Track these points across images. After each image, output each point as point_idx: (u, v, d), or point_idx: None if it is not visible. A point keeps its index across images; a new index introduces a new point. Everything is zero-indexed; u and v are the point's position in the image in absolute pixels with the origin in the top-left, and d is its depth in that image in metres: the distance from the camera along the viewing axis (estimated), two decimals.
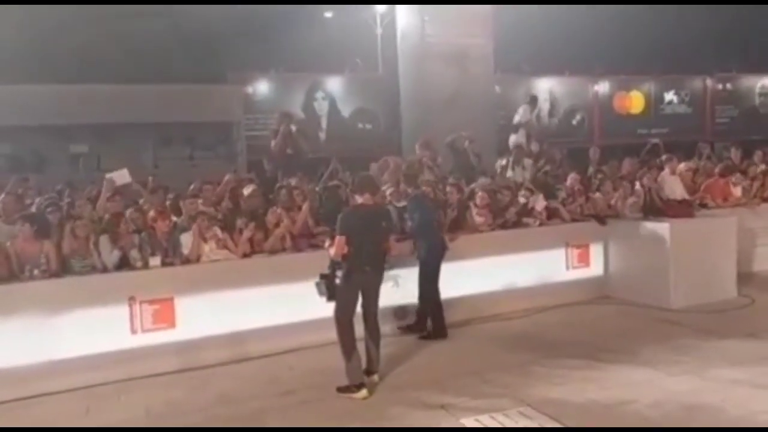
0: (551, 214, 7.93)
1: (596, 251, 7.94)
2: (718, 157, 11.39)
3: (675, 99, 20.21)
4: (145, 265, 6.13)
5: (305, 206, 7.08)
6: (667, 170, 8.40)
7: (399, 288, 6.57)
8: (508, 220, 7.72)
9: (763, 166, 9.38)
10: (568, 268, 7.79)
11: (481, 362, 5.83)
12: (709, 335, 6.21)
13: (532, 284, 7.52)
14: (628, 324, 6.81)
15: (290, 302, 6.32)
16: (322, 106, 19.28)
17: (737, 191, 8.85)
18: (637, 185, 8.12)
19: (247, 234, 6.52)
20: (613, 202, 8.18)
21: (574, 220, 7.97)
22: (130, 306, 5.85)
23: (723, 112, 20.37)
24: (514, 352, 6.10)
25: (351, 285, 5.37)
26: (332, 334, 5.45)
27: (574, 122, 19.83)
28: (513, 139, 10.58)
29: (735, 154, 10.00)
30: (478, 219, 7.54)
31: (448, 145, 9.44)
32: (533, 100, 11.96)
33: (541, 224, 7.72)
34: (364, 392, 5.23)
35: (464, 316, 7.01)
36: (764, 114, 20.31)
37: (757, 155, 9.85)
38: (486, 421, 4.58)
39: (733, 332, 6.24)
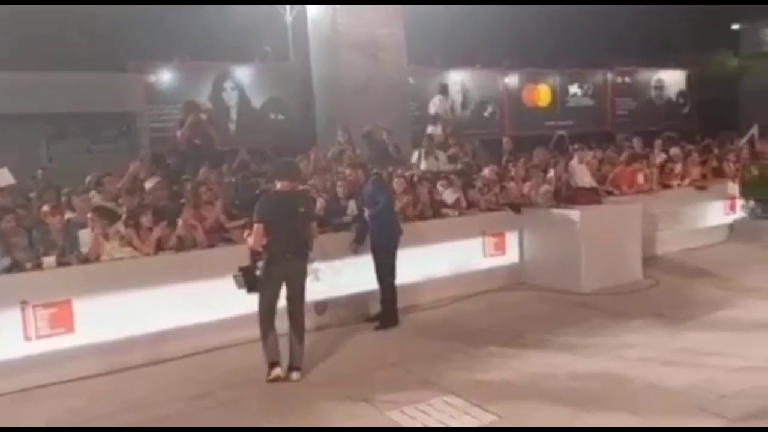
0: (469, 204, 8.04)
1: (512, 239, 8.13)
2: (619, 147, 11.97)
3: (579, 92, 21.06)
4: (38, 266, 5.67)
5: (218, 203, 6.84)
6: (576, 159, 8.72)
7: (320, 281, 6.47)
8: (425, 211, 7.76)
9: (663, 155, 9.95)
10: (485, 256, 7.93)
11: (403, 353, 5.81)
12: (619, 316, 6.49)
13: (451, 273, 7.59)
14: (543, 309, 7.01)
15: (206, 300, 6.04)
16: (231, 97, 18.67)
17: (640, 178, 9.33)
18: (551, 173, 8.38)
19: (157, 233, 6.16)
20: (526, 191, 8.41)
21: (490, 209, 8.12)
22: (23, 310, 5.39)
23: (623, 104, 21.46)
24: (436, 341, 6.13)
25: (273, 274, 5.25)
26: (252, 332, 5.26)
27: (486, 114, 20.28)
28: (431, 130, 10.67)
29: (637, 143, 10.56)
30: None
31: (365, 135, 9.38)
32: (444, 89, 12.11)
33: (460, 214, 7.80)
34: (276, 371, 5.19)
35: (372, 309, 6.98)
36: (659, 106, 21.57)
37: (657, 145, 10.44)
38: (412, 412, 4.55)
39: (640, 313, 6.55)
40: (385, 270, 6.65)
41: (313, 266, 5.95)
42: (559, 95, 21.17)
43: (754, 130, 10.80)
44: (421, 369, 5.39)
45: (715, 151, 10.46)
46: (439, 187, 8.05)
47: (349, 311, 6.97)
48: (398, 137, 10.13)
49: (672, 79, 21.68)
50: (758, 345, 5.46)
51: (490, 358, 5.55)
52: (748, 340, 5.62)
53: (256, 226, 5.22)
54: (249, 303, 5.44)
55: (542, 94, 21.06)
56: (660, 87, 21.56)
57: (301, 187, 6.55)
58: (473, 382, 5.04)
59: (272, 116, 18.95)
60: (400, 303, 7.02)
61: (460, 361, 5.51)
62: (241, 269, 5.29)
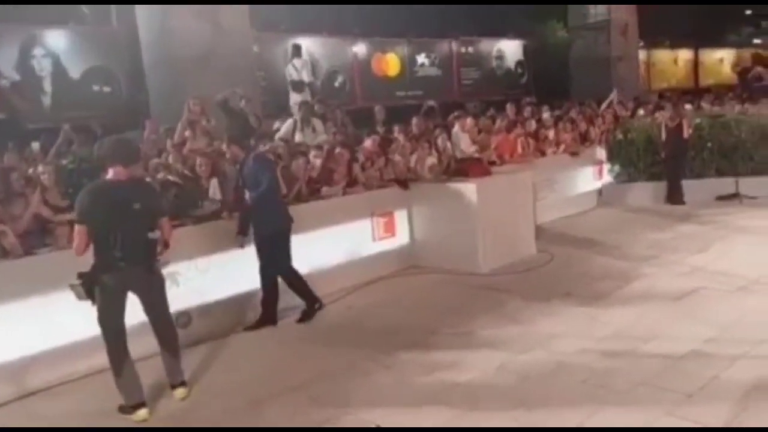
0: (351, 182, 6.94)
1: (401, 219, 7.18)
2: (474, 115, 11.49)
3: (427, 62, 20.66)
4: None
5: (35, 195, 5.11)
6: (458, 127, 7.96)
7: (179, 287, 5.07)
8: (302, 192, 6.53)
9: (533, 122, 9.53)
10: (375, 239, 6.91)
11: (301, 371, 4.62)
12: (530, 299, 5.79)
13: (339, 262, 6.48)
14: (448, 296, 6.15)
15: (27, 325, 4.41)
16: (43, 65, 15.56)
17: (519, 146, 8.82)
18: (439, 141, 7.51)
19: None
20: (412, 164, 7.48)
21: (380, 186, 7.08)
22: None
23: (467, 74, 21.40)
24: (336, 350, 5.01)
25: (108, 287, 4.01)
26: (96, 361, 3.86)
27: (336, 84, 19.18)
28: (296, 98, 9.38)
29: (510, 109, 10.08)
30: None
31: (220, 104, 7.86)
32: (298, 51, 10.81)
33: (344, 194, 6.67)
34: (142, 413, 4.06)
35: (248, 318, 5.74)
36: (500, 75, 21.85)
37: (527, 111, 10.06)
38: None
39: (550, 293, 5.92)
40: (271, 265, 5.47)
41: (168, 269, 4.55)
42: (408, 65, 20.59)
43: (614, 96, 10.82)
44: (327, 392, 4.26)
45: (578, 115, 10.28)
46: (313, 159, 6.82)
47: (223, 320, 5.62)
48: (256, 106, 8.72)
49: (510, 50, 22.02)
50: (682, 321, 5.02)
51: (407, 366, 4.56)
52: (670, 315, 5.18)
53: (76, 227, 4.06)
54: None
55: (391, 64, 20.36)
56: (501, 57, 21.80)
57: (142, 175, 5.13)
58: (394, 403, 4.02)
59: (95, 88, 16.16)
60: (283, 303, 5.82)
61: (372, 374, 4.46)
62: (80, 276, 4.01)
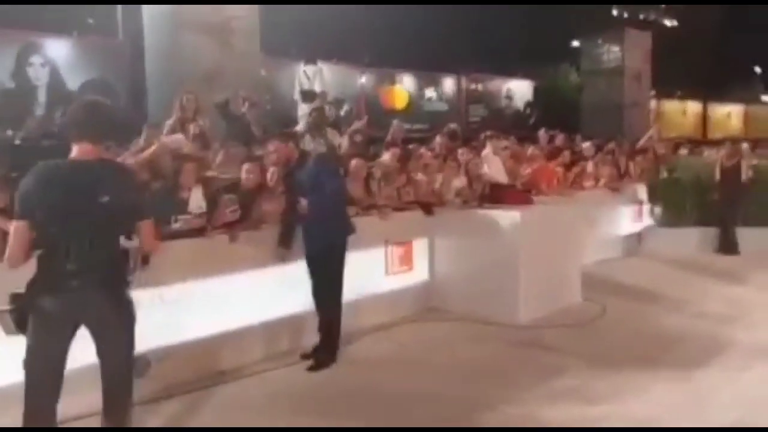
0: (365, 201, 5.41)
1: (420, 249, 5.65)
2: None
3: (434, 96, 19.53)
4: None
5: None
6: (489, 148, 6.51)
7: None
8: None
9: (567, 153, 8.08)
10: (387, 272, 5.36)
11: None
12: (597, 365, 4.24)
13: (344, 301, 4.92)
14: (483, 354, 4.57)
15: None
16: (39, 75, 14.43)
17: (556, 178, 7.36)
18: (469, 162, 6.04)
19: None
20: (437, 186, 5.99)
21: (396, 209, 5.56)
22: None
23: (475, 111, 20.29)
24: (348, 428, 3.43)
25: (45, 315, 2.56)
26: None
27: (342, 113, 17.93)
28: (305, 110, 8.10)
29: (543, 137, 8.66)
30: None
31: (219, 106, 6.47)
32: (312, 59, 9.73)
33: (356, 214, 5.13)
34: None
35: (227, 364, 4.21)
36: (508, 115, 20.73)
37: (559, 139, 8.66)
38: None
39: (621, 357, 4.38)
40: (336, 287, 4.37)
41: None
42: (416, 98, 19.46)
43: (653, 132, 9.46)
44: None
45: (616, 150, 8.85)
46: None
47: (194, 367, 4.04)
48: (260, 114, 7.34)
49: (520, 90, 20.97)
50: None
51: None
52: None
53: (13, 224, 2.60)
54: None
55: (399, 96, 19.20)
56: (510, 96, 20.74)
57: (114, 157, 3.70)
58: None
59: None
60: (268, 349, 4.27)
61: None
62: (13, 298, 2.56)
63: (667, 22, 21.50)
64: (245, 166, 4.78)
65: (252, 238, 4.43)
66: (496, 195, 5.84)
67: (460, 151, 6.60)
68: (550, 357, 4.43)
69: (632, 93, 20.01)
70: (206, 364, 4.13)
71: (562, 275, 5.64)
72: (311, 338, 4.44)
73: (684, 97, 22.97)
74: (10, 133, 4.75)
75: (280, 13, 13.78)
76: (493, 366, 4.31)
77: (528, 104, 21.05)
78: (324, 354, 4.33)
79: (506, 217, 5.30)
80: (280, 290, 4.49)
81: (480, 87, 20.82)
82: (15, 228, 2.55)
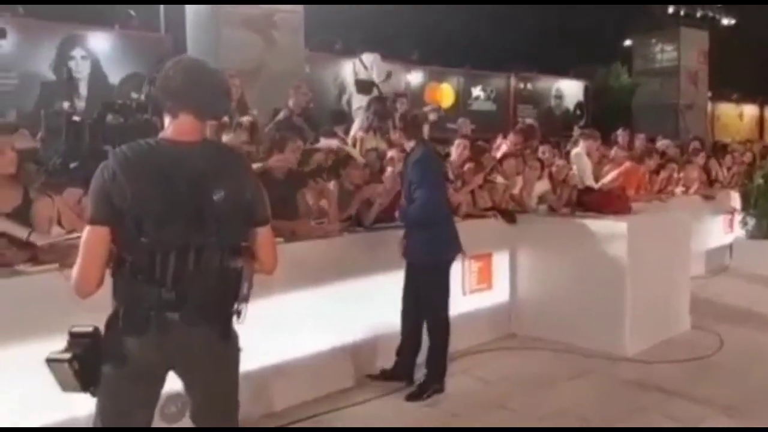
0: None
1: (500, 265, 4.78)
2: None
3: (482, 95, 18.54)
4: None
5: None
6: (582, 148, 5.60)
7: None
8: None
9: (657, 157, 7.07)
10: (465, 292, 4.50)
11: None
12: (733, 413, 3.33)
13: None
14: (591, 394, 3.67)
15: None
16: (81, 68, 13.97)
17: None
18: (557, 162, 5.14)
19: None
20: (516, 190, 5.11)
21: (470, 216, 4.69)
22: None
23: (524, 111, 19.20)
24: None
25: (129, 363, 1.77)
26: None
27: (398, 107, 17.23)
28: (361, 101, 7.46)
29: (623, 137, 7.66)
30: None
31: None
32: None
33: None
34: None
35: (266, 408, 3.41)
36: (558, 115, 19.66)
37: (639, 139, 7.69)
38: None
39: (754, 400, 3.45)
40: (442, 303, 3.74)
41: None
42: (462, 97, 18.49)
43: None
44: None
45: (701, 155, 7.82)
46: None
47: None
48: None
49: (570, 90, 19.85)
50: None
51: None
52: None
53: (87, 230, 1.75)
54: None
55: (446, 95, 18.26)
56: (560, 96, 19.63)
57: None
58: None
59: (134, 95, 14.34)
60: (291, 383, 3.47)
61: None
62: (75, 337, 1.76)
63: (725, 21, 20.09)
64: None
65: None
66: (589, 201, 4.92)
67: (540, 149, 5.70)
68: (678, 403, 3.51)
69: (688, 94, 18.82)
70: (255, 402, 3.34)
71: (671, 298, 4.69)
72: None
73: (740, 100, 21.54)
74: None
75: (325, 8, 13.14)
76: (608, 411, 3.40)
77: (578, 105, 19.93)
78: (431, 381, 3.62)
79: (610, 227, 4.39)
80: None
81: (529, 86, 19.80)
82: (88, 237, 1.73)
